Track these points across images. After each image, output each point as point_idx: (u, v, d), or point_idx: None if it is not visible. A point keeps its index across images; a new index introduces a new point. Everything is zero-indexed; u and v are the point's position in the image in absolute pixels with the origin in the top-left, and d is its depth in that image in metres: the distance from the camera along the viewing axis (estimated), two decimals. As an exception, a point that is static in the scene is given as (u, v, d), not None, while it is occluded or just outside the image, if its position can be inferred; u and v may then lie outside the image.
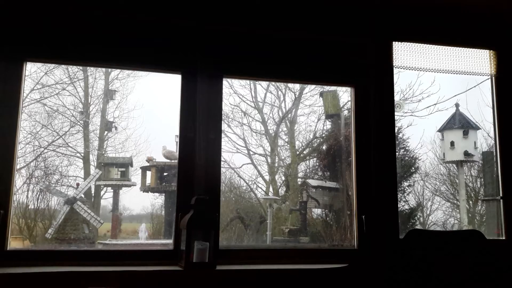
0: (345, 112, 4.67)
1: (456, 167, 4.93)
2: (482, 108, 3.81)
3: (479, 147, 4.60)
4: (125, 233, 5.37)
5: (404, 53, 2.56)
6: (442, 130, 4.72)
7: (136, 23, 2.26)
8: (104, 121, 5.13)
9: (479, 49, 2.67)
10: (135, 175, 5.17)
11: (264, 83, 5.24)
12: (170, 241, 2.39)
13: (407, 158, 5.18)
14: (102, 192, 5.23)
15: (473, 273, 2.27)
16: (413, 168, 5.24)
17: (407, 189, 5.21)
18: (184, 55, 2.31)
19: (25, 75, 2.18)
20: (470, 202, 5.31)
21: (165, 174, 5.10)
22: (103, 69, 4.98)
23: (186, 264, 2.02)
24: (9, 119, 2.10)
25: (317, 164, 5.14)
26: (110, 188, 5.15)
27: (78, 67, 4.71)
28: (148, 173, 5.15)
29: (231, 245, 4.28)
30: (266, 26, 2.41)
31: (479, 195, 5.23)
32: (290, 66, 2.45)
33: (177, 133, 2.33)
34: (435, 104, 4.72)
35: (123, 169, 5.04)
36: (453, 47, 2.62)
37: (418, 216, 5.40)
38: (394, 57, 2.53)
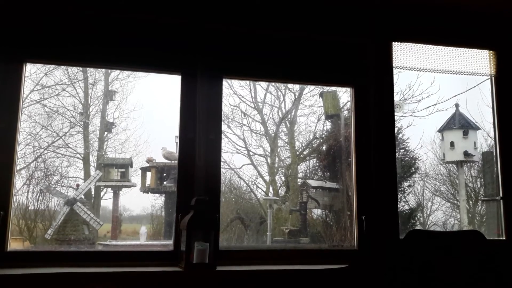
0: (345, 113, 4.67)
1: (456, 167, 4.93)
2: (482, 108, 3.82)
3: (479, 147, 4.60)
4: (125, 234, 5.37)
5: (404, 53, 2.55)
6: (442, 130, 4.72)
7: (136, 24, 2.26)
8: (104, 122, 5.14)
9: (478, 49, 2.66)
10: (135, 176, 5.18)
11: (264, 84, 5.25)
12: (170, 242, 2.40)
13: (407, 158, 5.18)
14: (102, 193, 5.24)
15: (473, 274, 2.27)
16: (413, 168, 5.24)
17: (407, 190, 5.21)
18: (184, 55, 2.31)
19: (25, 76, 2.18)
20: (470, 202, 5.32)
21: (164, 174, 5.10)
22: (103, 70, 4.99)
23: (186, 265, 2.02)
24: (9, 120, 2.09)
25: (317, 164, 5.14)
26: (110, 189, 5.15)
27: (78, 68, 4.71)
28: (148, 174, 5.15)
29: (231, 245, 4.28)
30: (266, 26, 2.41)
31: (479, 195, 5.23)
32: (290, 66, 2.45)
33: (177, 133, 2.33)
34: (435, 105, 4.73)
35: (123, 170, 5.04)
36: (453, 47, 2.62)
37: (418, 217, 5.40)
38: (393, 57, 2.53)
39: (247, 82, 4.98)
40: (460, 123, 4.58)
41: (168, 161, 5.00)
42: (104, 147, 5.17)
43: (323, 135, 5.21)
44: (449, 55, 2.61)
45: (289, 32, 2.44)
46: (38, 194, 4.70)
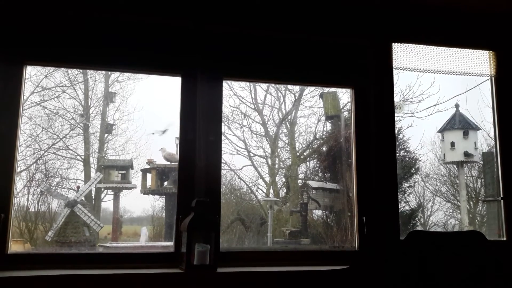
0: (345, 114, 4.67)
1: (456, 168, 4.92)
2: (482, 109, 3.82)
3: (479, 147, 4.59)
4: (126, 236, 5.37)
5: (404, 54, 2.56)
6: (442, 130, 4.72)
7: (136, 25, 2.26)
8: (104, 123, 5.13)
9: (478, 50, 2.67)
10: (136, 178, 5.17)
11: (264, 85, 5.25)
12: (171, 243, 2.39)
13: (407, 159, 5.18)
14: (102, 195, 5.23)
15: (474, 274, 2.27)
16: (413, 169, 5.24)
17: (407, 190, 5.21)
18: (184, 57, 2.31)
19: (25, 78, 2.18)
20: (471, 202, 5.31)
21: (164, 176, 5.10)
22: (103, 72, 4.98)
23: (187, 267, 2.02)
24: (9, 122, 2.10)
25: (318, 165, 5.14)
26: (110, 190, 5.15)
27: (78, 69, 4.71)
28: (149, 176, 5.15)
29: (231, 247, 4.28)
30: (266, 27, 2.41)
31: (479, 195, 5.23)
32: (290, 67, 2.45)
33: (177, 135, 2.33)
34: (435, 105, 4.73)
35: (123, 172, 5.04)
36: (452, 48, 2.63)
37: (418, 217, 5.40)
38: (393, 58, 2.53)
39: (247, 83, 4.98)
40: (460, 124, 4.58)
41: (169, 163, 5.00)
42: (105, 149, 5.17)
43: (324, 136, 5.21)
44: (449, 56, 2.62)
45: (289, 33, 2.44)
46: (39, 196, 4.70)
